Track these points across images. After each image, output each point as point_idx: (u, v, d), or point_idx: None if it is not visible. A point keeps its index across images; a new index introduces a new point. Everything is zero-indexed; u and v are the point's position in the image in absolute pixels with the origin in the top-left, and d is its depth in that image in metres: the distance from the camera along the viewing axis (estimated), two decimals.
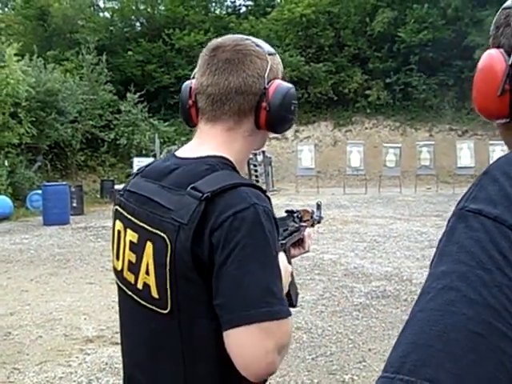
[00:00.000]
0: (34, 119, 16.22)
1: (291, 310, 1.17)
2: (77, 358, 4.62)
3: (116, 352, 4.67)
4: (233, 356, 1.09)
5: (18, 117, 15.61)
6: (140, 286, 1.22)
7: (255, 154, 19.09)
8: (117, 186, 13.71)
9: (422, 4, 24.12)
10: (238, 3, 29.81)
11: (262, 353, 1.06)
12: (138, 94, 20.68)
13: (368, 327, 5.30)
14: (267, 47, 1.29)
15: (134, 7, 27.19)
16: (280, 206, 7.95)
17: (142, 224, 1.22)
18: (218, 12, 29.06)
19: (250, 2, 29.68)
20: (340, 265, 7.94)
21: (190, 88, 1.32)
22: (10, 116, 15.30)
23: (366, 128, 23.88)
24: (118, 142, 19.82)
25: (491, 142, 19.21)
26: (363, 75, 24.31)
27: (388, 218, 12.63)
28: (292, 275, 1.52)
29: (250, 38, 1.30)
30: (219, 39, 1.29)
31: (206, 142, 1.27)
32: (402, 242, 9.66)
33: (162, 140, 19.65)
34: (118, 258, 1.32)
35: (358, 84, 24.08)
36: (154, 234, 1.17)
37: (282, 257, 1.36)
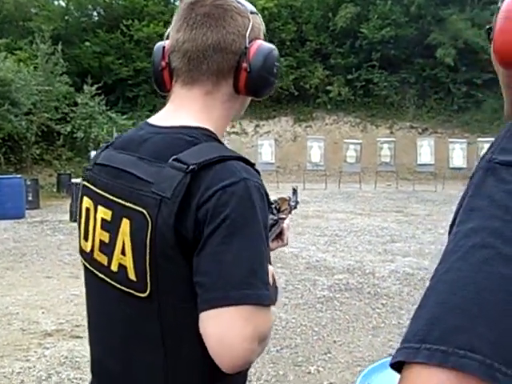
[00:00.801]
0: None
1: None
2: (35, 352, 4.46)
3: (76, 346, 4.54)
4: (206, 341, 0.99)
5: None
6: (114, 267, 1.11)
7: None
8: (74, 180, 13.41)
9: (385, 0, 24.30)
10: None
11: (239, 339, 0.96)
12: (96, 86, 20.20)
13: (332, 319, 5.30)
14: (249, 5, 1.20)
15: None
16: None
17: (116, 199, 1.11)
18: (177, 3, 28.76)
19: None
20: (302, 258, 7.94)
21: (163, 48, 1.21)
22: None
23: (327, 124, 24.00)
24: (74, 136, 19.35)
25: (451, 140, 19.73)
26: (324, 71, 24.36)
27: (348, 213, 12.72)
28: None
29: None
30: None
31: (183, 108, 1.17)
32: (363, 236, 9.73)
33: (119, 133, 19.13)
34: (86, 239, 1.20)
35: (319, 79, 24.13)
36: (132, 209, 1.06)
37: None
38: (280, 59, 1.25)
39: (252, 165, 1.11)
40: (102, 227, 1.14)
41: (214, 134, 1.14)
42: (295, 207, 1.83)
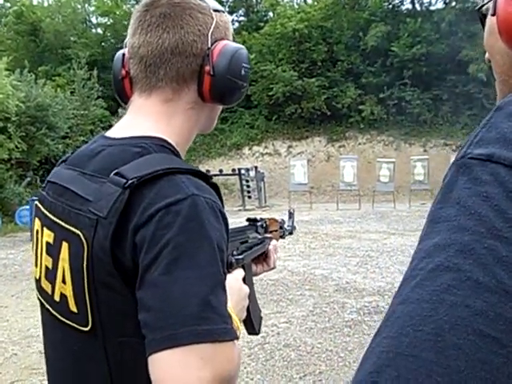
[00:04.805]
0: (23, 134, 16.10)
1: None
2: None
3: None
4: None
5: (7, 132, 15.49)
6: (57, 297, 0.98)
7: (248, 170, 18.95)
8: None
9: (415, 18, 24.20)
10: (230, 19, 30.08)
11: None
12: None
13: (359, 344, 5.09)
14: (213, 2, 1.08)
15: (126, 23, 27.21)
16: None
17: (57, 220, 0.99)
18: None
19: (242, 18, 29.82)
20: (331, 280, 7.74)
21: (123, 55, 1.10)
22: None
23: (360, 143, 23.80)
24: None
25: None
26: (356, 90, 24.25)
27: (382, 232, 12.45)
28: (254, 297, 1.27)
29: None
30: None
31: (140, 117, 1.05)
32: (395, 256, 9.46)
33: None
34: (36, 265, 1.07)
35: (351, 99, 24.00)
36: (70, 231, 0.94)
37: (237, 274, 1.14)
38: (250, 60, 1.12)
39: (207, 179, 0.97)
40: (47, 251, 1.01)
41: (170, 144, 1.01)
42: (291, 233, 1.70)
